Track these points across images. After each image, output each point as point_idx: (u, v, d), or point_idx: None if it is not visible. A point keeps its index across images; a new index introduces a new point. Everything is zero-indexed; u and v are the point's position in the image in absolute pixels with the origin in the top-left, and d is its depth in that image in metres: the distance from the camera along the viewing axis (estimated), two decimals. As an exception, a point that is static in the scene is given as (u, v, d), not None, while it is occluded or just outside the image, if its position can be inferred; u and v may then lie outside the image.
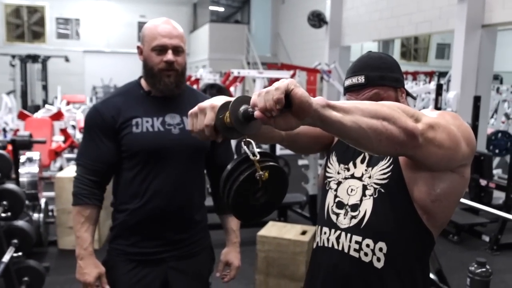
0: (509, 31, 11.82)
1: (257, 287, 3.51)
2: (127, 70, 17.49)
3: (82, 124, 7.67)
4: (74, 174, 1.70)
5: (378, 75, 1.23)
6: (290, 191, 4.43)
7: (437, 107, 5.50)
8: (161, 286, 1.70)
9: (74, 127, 7.65)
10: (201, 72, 10.98)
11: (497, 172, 6.86)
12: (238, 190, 0.99)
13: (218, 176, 1.81)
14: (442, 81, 9.86)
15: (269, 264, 3.47)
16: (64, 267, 3.83)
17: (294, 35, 14.43)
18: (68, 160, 6.63)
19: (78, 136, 7.57)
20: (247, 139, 0.98)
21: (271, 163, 0.99)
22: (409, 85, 7.57)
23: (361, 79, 1.24)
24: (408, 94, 1.32)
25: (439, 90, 5.46)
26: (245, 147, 0.98)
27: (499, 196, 5.54)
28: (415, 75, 12.18)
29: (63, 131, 6.32)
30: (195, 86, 10.39)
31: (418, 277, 1.22)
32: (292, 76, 8.14)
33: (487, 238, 4.72)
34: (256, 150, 0.97)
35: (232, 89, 7.59)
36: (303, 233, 3.60)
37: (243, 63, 15.27)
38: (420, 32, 8.30)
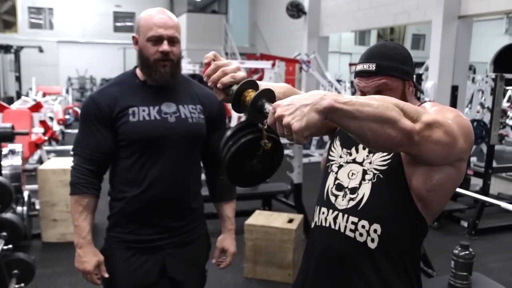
0: (481, 22, 12.07)
1: (245, 275, 3.56)
2: (103, 61, 17.26)
3: (60, 116, 7.56)
4: (71, 164, 1.71)
5: (390, 65, 1.26)
6: (275, 180, 4.48)
7: (416, 97, 5.59)
8: (159, 273, 1.72)
9: (52, 118, 7.51)
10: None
11: (472, 160, 7.04)
12: (239, 149, 1.03)
13: (213, 163, 1.88)
14: (419, 72, 10.02)
15: (257, 252, 3.52)
16: (49, 260, 3.80)
17: (272, 26, 14.42)
18: (48, 152, 6.52)
19: (56, 128, 7.46)
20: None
21: (275, 136, 1.04)
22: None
23: (372, 66, 1.27)
24: (416, 87, 1.36)
25: (418, 80, 5.56)
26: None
27: (475, 183, 5.72)
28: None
29: (43, 123, 6.20)
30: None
31: (408, 261, 1.28)
32: (272, 66, 8.14)
33: (465, 224, 4.87)
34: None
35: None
36: (290, 221, 3.66)
37: (221, 53, 15.18)
38: (398, 23, 8.41)
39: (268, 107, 0.91)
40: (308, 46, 10.66)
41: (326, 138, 8.70)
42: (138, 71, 1.73)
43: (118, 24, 17.99)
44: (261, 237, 3.53)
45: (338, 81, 9.90)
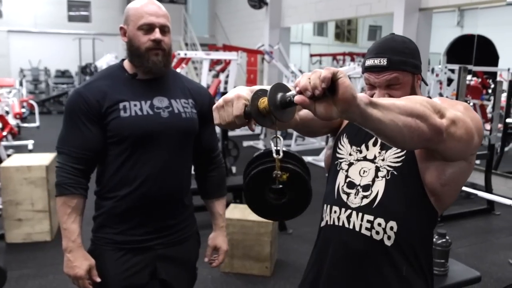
0: (435, 14, 12.40)
1: (222, 269, 3.53)
2: (58, 52, 16.60)
3: (16, 109, 7.23)
4: (56, 163, 1.62)
5: (400, 59, 1.26)
6: (242, 173, 4.43)
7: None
8: (150, 274, 1.67)
9: (8, 112, 7.18)
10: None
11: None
12: (254, 178, 1.00)
13: (204, 159, 1.84)
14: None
15: (233, 246, 3.50)
16: (16, 262, 3.64)
17: (232, 16, 14.32)
18: (6, 148, 6.23)
19: (12, 122, 7.13)
20: (277, 136, 1.01)
21: (293, 167, 0.99)
22: (351, 66, 7.78)
23: (383, 61, 1.26)
24: (423, 80, 1.36)
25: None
26: (272, 143, 1.01)
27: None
28: (352, 56, 12.52)
29: (1, 118, 5.91)
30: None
31: (422, 256, 1.29)
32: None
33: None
34: (283, 148, 0.99)
35: (178, 70, 7.44)
36: (266, 214, 3.65)
37: (181, 44, 14.97)
38: (360, 14, 8.53)
39: (289, 93, 0.88)
40: (269, 37, 10.66)
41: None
42: (126, 64, 1.67)
43: (72, 13, 17.34)
44: (238, 231, 3.51)
45: (302, 72, 9.94)
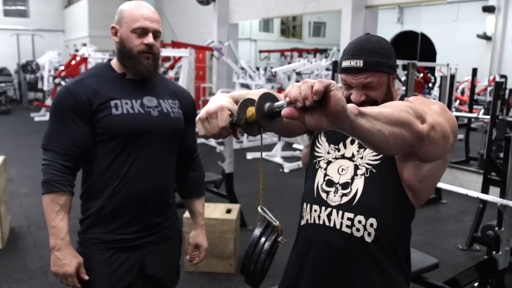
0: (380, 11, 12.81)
1: (185, 269, 3.50)
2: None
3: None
4: (43, 161, 1.58)
5: (376, 61, 1.27)
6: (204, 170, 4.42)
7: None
8: (137, 272, 1.68)
9: None
10: (87, 50, 10.26)
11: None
12: (271, 255, 1.06)
13: (186, 159, 1.87)
14: (322, 58, 10.42)
15: (197, 245, 3.47)
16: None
17: (179, 12, 14.13)
18: None
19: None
20: (262, 207, 1.07)
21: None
22: (301, 62, 7.89)
23: (359, 63, 1.27)
24: (398, 79, 1.41)
25: (335, 66, 5.80)
26: (268, 215, 1.06)
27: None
28: (300, 52, 12.70)
29: None
30: (83, 66, 9.73)
31: (400, 250, 1.33)
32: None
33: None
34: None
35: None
36: (228, 211, 3.66)
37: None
38: (308, 11, 8.65)
39: (278, 103, 0.87)
40: (218, 33, 10.61)
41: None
42: (114, 64, 1.69)
43: (8, 7, 16.49)
44: (201, 229, 3.48)
45: (257, 68, 9.97)
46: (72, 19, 16.67)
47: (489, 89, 8.45)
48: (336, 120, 0.82)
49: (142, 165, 1.63)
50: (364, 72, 1.28)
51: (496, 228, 2.88)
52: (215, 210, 3.65)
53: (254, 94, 1.17)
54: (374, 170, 1.29)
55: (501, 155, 4.94)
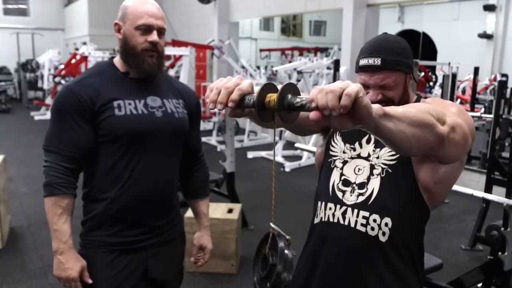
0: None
1: (187, 269, 3.46)
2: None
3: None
4: (44, 162, 1.55)
5: (394, 59, 1.26)
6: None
7: (335, 82, 5.80)
8: (141, 274, 1.65)
9: None
10: (87, 49, 10.22)
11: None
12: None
13: (190, 159, 1.84)
14: (323, 57, 10.37)
15: (198, 245, 3.44)
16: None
17: (180, 11, 14.10)
18: None
19: None
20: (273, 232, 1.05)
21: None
22: (302, 61, 7.86)
23: (377, 61, 1.26)
24: (414, 79, 1.38)
25: (336, 65, 5.76)
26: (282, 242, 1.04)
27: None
28: (301, 50, 12.67)
29: None
30: (83, 64, 9.70)
31: (414, 251, 1.32)
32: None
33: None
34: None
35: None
36: (230, 211, 3.63)
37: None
38: (309, 9, 8.63)
39: (300, 98, 0.85)
40: (218, 32, 10.59)
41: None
42: (117, 62, 1.64)
43: (8, 6, 16.45)
44: (202, 229, 3.45)
45: (258, 67, 9.95)
46: (72, 17, 16.63)
47: (490, 88, 8.43)
48: (361, 123, 0.83)
49: (146, 166, 1.60)
50: (382, 71, 1.27)
51: (502, 229, 2.85)
52: (216, 210, 3.62)
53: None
54: (390, 170, 1.29)
55: (504, 154, 4.92)
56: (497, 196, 3.08)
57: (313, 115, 0.80)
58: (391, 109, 0.93)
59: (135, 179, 1.58)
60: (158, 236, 1.67)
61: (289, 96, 0.86)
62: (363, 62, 1.29)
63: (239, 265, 3.59)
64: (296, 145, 4.28)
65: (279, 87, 0.88)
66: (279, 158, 7.31)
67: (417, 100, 1.35)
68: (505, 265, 2.77)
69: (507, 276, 2.85)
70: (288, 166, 6.87)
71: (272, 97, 0.88)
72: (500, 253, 2.85)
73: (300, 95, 0.88)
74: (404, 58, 1.29)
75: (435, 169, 1.25)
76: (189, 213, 3.52)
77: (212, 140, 8.68)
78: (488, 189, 4.00)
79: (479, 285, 3.07)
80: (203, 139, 8.79)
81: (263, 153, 7.65)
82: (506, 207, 2.81)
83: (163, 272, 1.70)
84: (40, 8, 16.47)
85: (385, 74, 1.27)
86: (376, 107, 0.86)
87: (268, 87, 0.90)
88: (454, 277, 3.05)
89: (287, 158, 7.39)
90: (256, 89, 0.90)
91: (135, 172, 1.58)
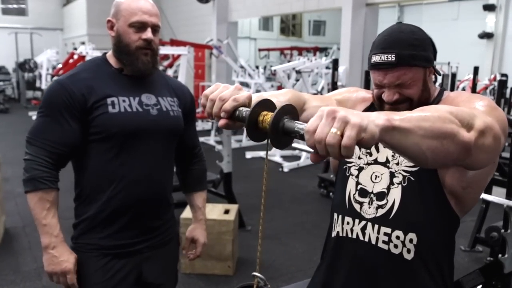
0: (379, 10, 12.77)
1: (183, 271, 3.43)
2: None
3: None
4: (26, 155, 1.50)
5: (410, 53, 1.12)
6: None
7: (333, 81, 5.78)
8: (135, 279, 1.60)
9: None
10: (85, 48, 10.16)
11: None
12: None
13: (187, 155, 1.80)
14: (322, 57, 10.35)
15: (194, 247, 3.40)
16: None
17: (178, 10, 14.08)
18: None
19: None
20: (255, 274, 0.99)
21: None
22: (301, 60, 7.82)
23: (391, 57, 1.12)
24: (436, 71, 1.21)
25: (335, 65, 5.72)
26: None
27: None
28: (300, 50, 12.65)
29: None
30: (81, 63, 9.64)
31: (445, 265, 1.19)
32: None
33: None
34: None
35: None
36: (226, 212, 3.58)
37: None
38: (308, 9, 8.60)
39: (299, 126, 0.76)
40: (217, 31, 10.57)
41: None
42: (110, 58, 1.58)
43: (7, 6, 16.41)
44: (198, 230, 3.41)
45: (257, 67, 9.90)
46: (70, 17, 16.60)
47: (489, 87, 8.40)
48: (364, 147, 0.73)
49: (140, 166, 1.55)
50: (397, 68, 1.12)
51: (502, 230, 2.81)
52: (213, 211, 3.58)
53: (280, 94, 1.11)
54: (412, 178, 1.15)
55: (504, 154, 4.88)
56: (497, 197, 3.04)
57: (313, 159, 0.74)
58: (402, 121, 0.79)
59: (129, 179, 1.53)
60: (153, 239, 1.62)
61: (286, 119, 0.78)
62: (375, 58, 1.15)
63: (236, 267, 3.55)
64: (294, 145, 4.24)
65: (277, 104, 0.81)
66: (277, 158, 7.27)
67: (440, 95, 1.21)
68: (505, 267, 2.73)
69: (507, 279, 2.81)
70: (287, 166, 6.83)
71: (267, 116, 0.80)
72: (500, 255, 2.80)
73: (298, 117, 0.80)
74: (422, 51, 1.13)
75: (463, 172, 1.10)
76: (185, 214, 3.48)
77: (211, 140, 8.64)
78: (487, 190, 3.96)
79: (479, 287, 3.02)
80: (201, 139, 8.76)
81: (261, 153, 7.61)
82: (506, 208, 2.76)
83: (157, 275, 1.65)
84: (38, 8, 16.45)
85: (401, 71, 1.12)
86: (383, 121, 0.75)
87: (264, 104, 0.82)
88: (454, 278, 3.01)
89: (286, 158, 7.35)
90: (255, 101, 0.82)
91: (129, 172, 1.53)
